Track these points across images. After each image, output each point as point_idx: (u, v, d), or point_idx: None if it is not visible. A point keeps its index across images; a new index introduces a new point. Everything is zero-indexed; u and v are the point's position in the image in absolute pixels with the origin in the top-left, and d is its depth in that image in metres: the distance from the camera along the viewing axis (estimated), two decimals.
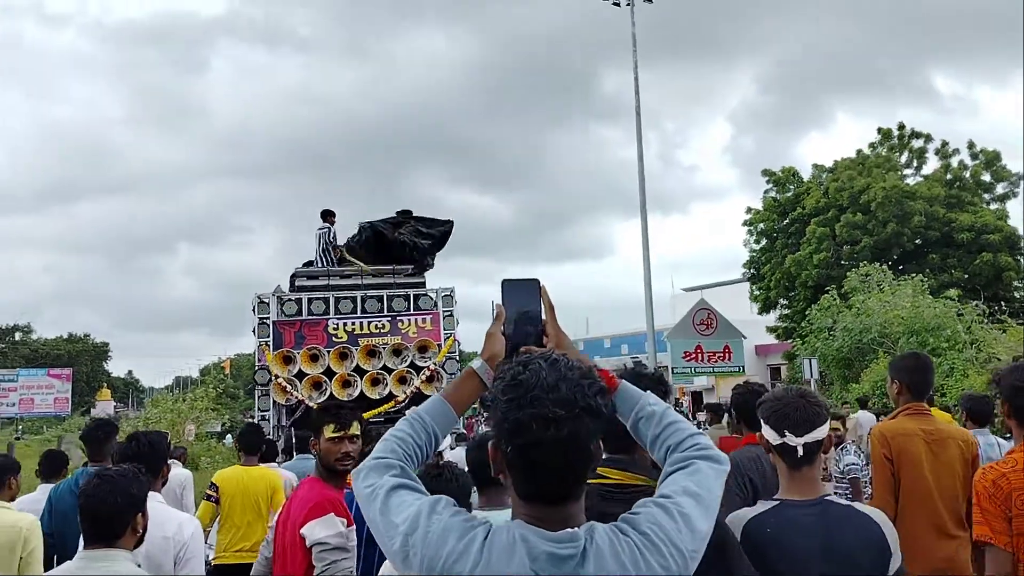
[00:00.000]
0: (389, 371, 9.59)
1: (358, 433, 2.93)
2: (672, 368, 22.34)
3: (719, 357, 22.37)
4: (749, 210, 28.77)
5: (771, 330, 28.92)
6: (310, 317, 9.72)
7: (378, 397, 9.39)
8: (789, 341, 27.22)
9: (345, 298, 9.84)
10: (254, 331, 9.63)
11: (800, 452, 2.06)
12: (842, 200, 25.90)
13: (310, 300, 9.79)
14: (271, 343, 9.53)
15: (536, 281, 1.58)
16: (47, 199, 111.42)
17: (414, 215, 10.82)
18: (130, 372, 77.45)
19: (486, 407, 1.28)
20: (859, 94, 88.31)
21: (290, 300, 9.77)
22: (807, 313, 23.55)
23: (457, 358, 9.81)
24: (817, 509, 2.05)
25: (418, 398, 9.45)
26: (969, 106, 68.56)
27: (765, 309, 28.72)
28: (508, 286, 1.58)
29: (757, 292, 28.70)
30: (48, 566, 3.77)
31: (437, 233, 10.84)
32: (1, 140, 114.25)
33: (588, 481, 2.06)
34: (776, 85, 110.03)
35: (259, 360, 9.53)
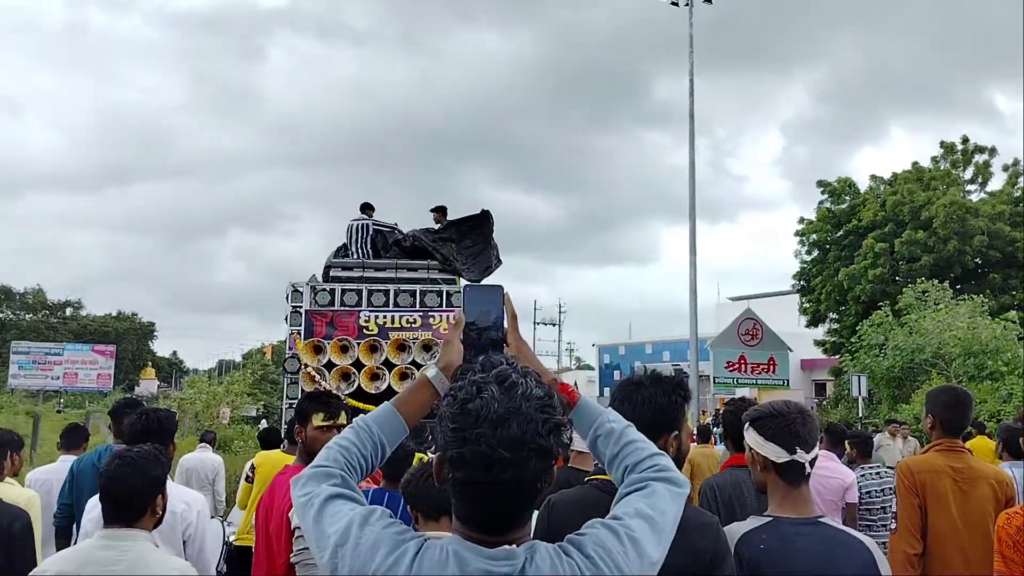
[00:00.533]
0: (418, 366, 9.63)
1: (345, 423, 2.95)
2: (714, 378, 22.05)
3: (763, 369, 22.03)
4: (802, 220, 28.27)
5: (819, 344, 28.36)
6: (342, 308, 9.81)
7: None
8: (837, 356, 26.65)
9: (378, 291, 9.92)
10: (286, 319, 9.77)
11: (808, 469, 2.06)
12: (902, 214, 25.23)
13: (343, 291, 9.89)
14: (302, 332, 9.65)
15: (500, 288, 1.54)
16: (105, 180, 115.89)
17: (448, 216, 10.83)
18: (175, 352, 79.64)
19: (436, 418, 1.23)
20: (915, 109, 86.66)
21: (323, 290, 9.88)
22: (858, 328, 23.00)
23: None
24: (812, 528, 2.03)
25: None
26: None
27: (814, 322, 28.20)
28: (471, 292, 1.53)
29: (806, 304, 28.18)
30: (67, 536, 3.90)
31: (481, 239, 10.74)
32: (64, 122, 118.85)
33: (594, 477, 2.07)
34: (830, 97, 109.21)
35: (290, 348, 9.66)
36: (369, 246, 10.64)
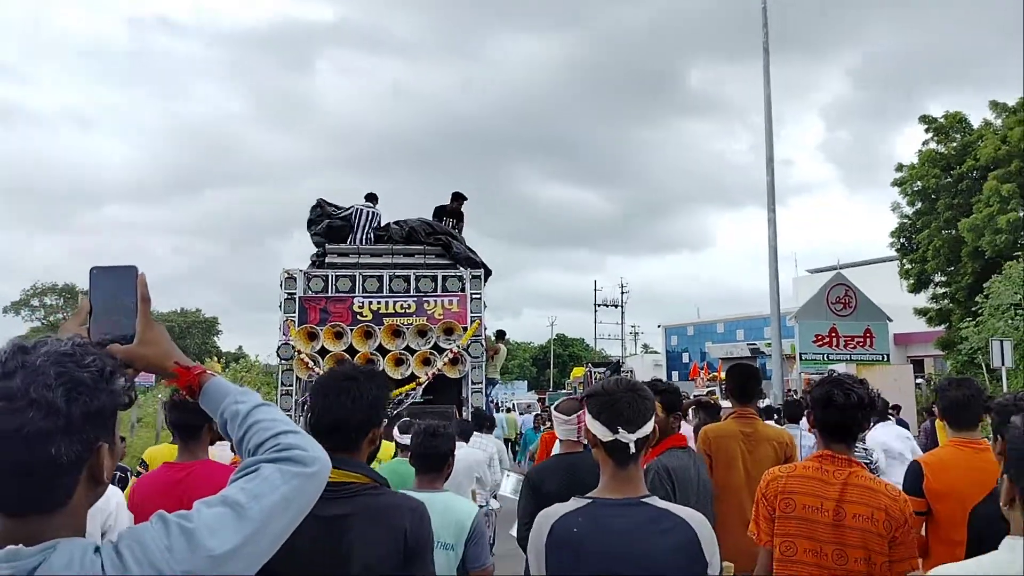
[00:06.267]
0: (412, 352, 10.55)
1: None
2: (800, 354, 21.42)
3: (859, 342, 21.29)
4: (900, 167, 27.19)
5: (920, 313, 27.34)
6: (336, 294, 10.83)
7: (400, 377, 10.39)
8: (943, 327, 25.77)
9: (371, 277, 10.87)
10: (280, 306, 10.84)
11: (632, 449, 2.25)
12: None
13: (336, 277, 10.89)
14: (296, 318, 10.72)
15: (133, 269, 1.53)
16: (175, 189, 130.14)
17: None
18: (240, 347, 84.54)
19: None
20: (954, 87, 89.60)
21: (316, 277, 10.90)
22: (985, 288, 21.99)
23: (482, 341, 10.64)
24: (631, 510, 2.22)
25: (440, 380, 10.40)
26: None
27: (918, 287, 27.23)
28: (98, 275, 1.53)
29: (909, 266, 27.20)
30: None
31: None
32: (136, 136, 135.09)
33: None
34: (868, 80, 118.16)
35: (284, 335, 10.75)
36: (371, 234, 11.67)
